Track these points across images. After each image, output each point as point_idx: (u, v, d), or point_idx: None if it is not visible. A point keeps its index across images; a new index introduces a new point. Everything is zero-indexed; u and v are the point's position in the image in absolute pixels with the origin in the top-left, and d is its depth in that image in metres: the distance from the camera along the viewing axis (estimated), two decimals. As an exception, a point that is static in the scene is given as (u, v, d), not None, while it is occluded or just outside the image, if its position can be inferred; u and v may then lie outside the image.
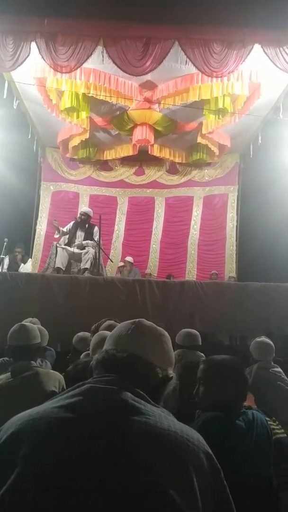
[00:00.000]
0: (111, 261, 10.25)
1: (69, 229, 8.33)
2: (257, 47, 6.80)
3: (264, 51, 6.78)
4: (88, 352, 2.73)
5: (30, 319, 3.92)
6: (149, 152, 10.38)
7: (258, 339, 3.50)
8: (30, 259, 10.31)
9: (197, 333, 3.70)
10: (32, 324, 2.97)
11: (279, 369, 3.38)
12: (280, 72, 7.01)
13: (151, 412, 0.99)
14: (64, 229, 8.30)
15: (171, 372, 1.17)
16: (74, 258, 8.05)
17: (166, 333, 1.24)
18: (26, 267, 9.76)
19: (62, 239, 8.30)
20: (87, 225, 8.36)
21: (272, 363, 3.41)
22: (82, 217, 8.36)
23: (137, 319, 1.23)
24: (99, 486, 0.86)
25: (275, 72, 7.08)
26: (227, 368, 1.97)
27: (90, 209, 8.80)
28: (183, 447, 0.94)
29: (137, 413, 0.97)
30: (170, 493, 0.86)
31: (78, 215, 8.58)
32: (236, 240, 11.29)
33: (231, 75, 7.28)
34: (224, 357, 2.06)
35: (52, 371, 2.75)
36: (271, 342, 3.48)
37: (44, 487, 0.86)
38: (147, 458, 0.90)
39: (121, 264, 10.43)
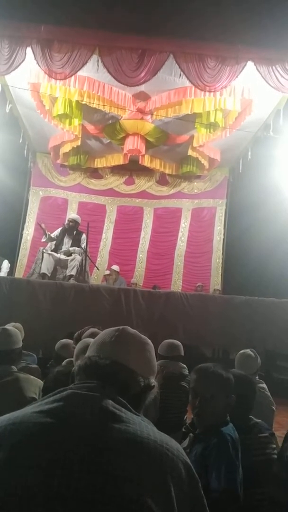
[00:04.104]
0: (97, 269, 10.21)
1: (57, 235, 8.28)
2: (250, 64, 6.91)
3: (256, 68, 6.90)
4: (71, 359, 2.71)
5: (13, 323, 3.88)
6: (140, 162, 10.43)
7: (249, 352, 3.42)
8: (5, 260, 9.91)
9: (180, 344, 3.68)
10: (15, 328, 2.94)
11: (264, 385, 3.30)
12: (271, 90, 7.13)
13: (131, 420, 0.98)
14: (52, 235, 8.24)
15: (153, 381, 1.16)
16: (60, 265, 8.00)
17: (150, 342, 1.23)
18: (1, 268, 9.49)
19: (49, 245, 8.24)
20: (74, 232, 8.32)
21: (257, 378, 3.32)
22: (70, 223, 8.32)
23: (121, 327, 1.22)
24: (76, 493, 0.85)
25: (266, 90, 7.21)
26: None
27: (78, 216, 8.77)
28: (162, 456, 0.94)
29: (117, 420, 0.96)
30: (147, 501, 0.86)
31: (66, 221, 8.52)
32: (222, 254, 11.36)
33: (224, 90, 7.38)
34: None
35: (32, 377, 2.71)
36: (257, 356, 3.41)
37: (20, 494, 0.84)
38: (126, 466, 0.89)
39: (107, 272, 10.39)
